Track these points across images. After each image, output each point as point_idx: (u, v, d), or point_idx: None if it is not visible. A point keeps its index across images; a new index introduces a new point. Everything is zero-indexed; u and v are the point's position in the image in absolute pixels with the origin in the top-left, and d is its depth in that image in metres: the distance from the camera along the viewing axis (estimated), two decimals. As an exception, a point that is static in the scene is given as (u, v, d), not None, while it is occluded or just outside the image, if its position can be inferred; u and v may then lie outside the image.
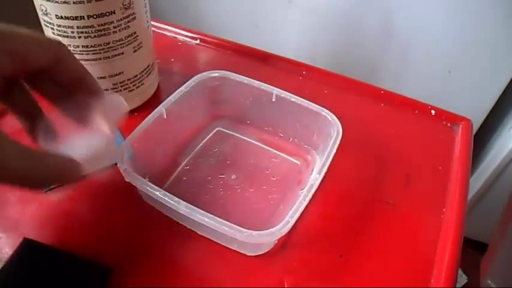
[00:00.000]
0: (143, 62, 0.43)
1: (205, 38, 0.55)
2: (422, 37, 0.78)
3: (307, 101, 0.38)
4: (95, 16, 0.35)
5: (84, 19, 0.35)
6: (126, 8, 0.37)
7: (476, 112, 0.82)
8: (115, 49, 0.39)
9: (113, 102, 0.34)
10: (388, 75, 0.88)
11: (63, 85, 0.30)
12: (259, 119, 0.42)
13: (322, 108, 0.37)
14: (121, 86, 0.42)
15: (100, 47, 0.38)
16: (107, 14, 0.36)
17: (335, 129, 0.35)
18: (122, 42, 0.39)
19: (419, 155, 0.42)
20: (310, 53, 0.93)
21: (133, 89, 0.43)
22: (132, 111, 0.44)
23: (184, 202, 0.29)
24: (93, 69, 0.39)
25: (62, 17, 0.35)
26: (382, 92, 0.49)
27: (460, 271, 0.94)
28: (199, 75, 0.40)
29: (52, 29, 0.37)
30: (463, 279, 0.92)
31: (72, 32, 0.36)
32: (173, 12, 1.01)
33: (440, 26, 0.75)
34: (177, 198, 0.30)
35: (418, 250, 0.34)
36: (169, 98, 0.37)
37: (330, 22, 0.85)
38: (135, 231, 0.34)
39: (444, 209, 0.37)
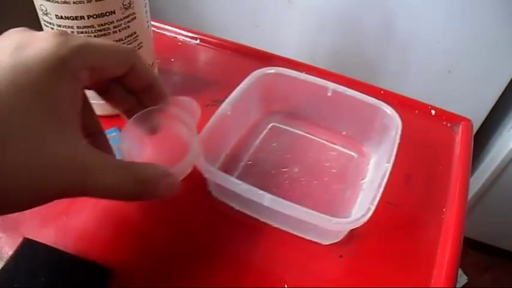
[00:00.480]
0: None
1: (205, 38, 0.55)
2: (422, 37, 0.78)
3: (364, 95, 0.39)
4: (95, 16, 0.35)
5: (84, 19, 0.35)
6: (126, 8, 0.37)
7: (476, 112, 0.82)
8: (115, 49, 0.39)
9: (186, 105, 0.34)
10: (388, 75, 0.88)
11: (132, 92, 0.30)
12: (312, 113, 0.43)
13: (380, 102, 0.38)
14: (121, 86, 0.42)
15: (100, 47, 0.38)
16: (107, 14, 0.36)
17: (394, 121, 0.37)
18: (122, 42, 0.39)
19: (419, 155, 0.42)
20: (310, 53, 0.93)
21: (134, 89, 0.43)
22: (132, 111, 0.44)
23: (268, 194, 0.30)
24: (93, 69, 0.39)
25: (62, 17, 0.35)
26: (382, 92, 0.49)
27: (460, 271, 0.94)
28: (256, 71, 0.41)
29: (52, 28, 0.37)
30: (463, 279, 0.92)
31: (72, 32, 0.36)
32: (173, 12, 1.01)
33: (440, 26, 0.75)
34: (261, 191, 0.30)
35: (418, 250, 0.34)
36: (231, 94, 0.38)
37: (330, 22, 0.85)
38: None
39: (444, 209, 0.37)
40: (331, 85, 0.40)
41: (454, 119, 0.46)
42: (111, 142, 0.35)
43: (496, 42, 0.73)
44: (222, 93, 0.47)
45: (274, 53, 0.53)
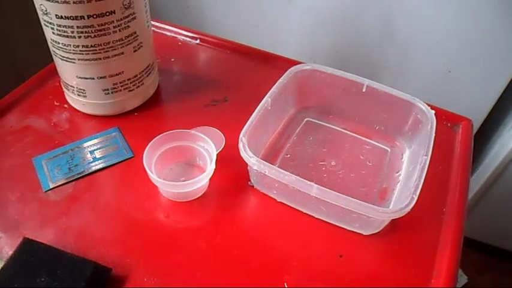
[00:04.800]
0: (143, 62, 0.43)
1: (205, 38, 0.55)
2: (422, 37, 0.78)
3: (398, 91, 0.40)
4: (95, 16, 0.35)
5: (84, 19, 0.35)
6: (126, 8, 0.37)
7: (476, 112, 0.82)
8: (115, 49, 0.39)
9: (212, 134, 0.39)
10: (388, 75, 0.87)
11: None
12: (346, 108, 0.44)
13: (414, 98, 0.39)
14: (121, 86, 0.42)
15: (100, 47, 0.38)
16: (107, 13, 0.36)
17: (428, 116, 0.38)
18: (122, 42, 0.39)
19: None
20: (310, 52, 0.93)
21: (134, 89, 0.43)
22: (132, 111, 0.44)
23: (316, 185, 0.31)
24: (93, 69, 0.39)
25: (62, 17, 0.35)
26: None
27: (460, 271, 0.94)
28: (293, 67, 0.42)
29: (52, 28, 0.37)
30: (463, 279, 0.92)
31: (72, 32, 0.36)
32: (173, 12, 1.01)
33: (440, 26, 0.75)
34: (309, 182, 0.32)
35: (418, 250, 0.34)
36: (272, 89, 0.39)
37: (330, 22, 0.85)
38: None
39: (444, 209, 0.37)
40: (367, 81, 0.41)
41: (454, 118, 0.46)
42: (111, 142, 0.35)
43: (496, 42, 0.72)
44: (222, 93, 0.48)
45: (274, 53, 0.53)
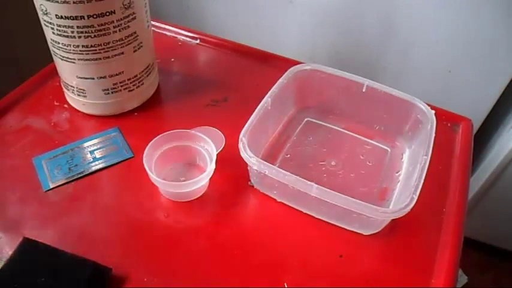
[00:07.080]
0: (143, 62, 0.43)
1: (205, 38, 0.55)
2: (422, 37, 0.78)
3: (398, 91, 0.40)
4: (95, 16, 0.35)
5: (84, 19, 0.35)
6: (126, 8, 0.37)
7: (476, 112, 0.82)
8: (115, 49, 0.39)
9: (212, 134, 0.39)
10: (388, 75, 0.87)
11: None
12: (346, 108, 0.44)
13: (414, 98, 0.39)
14: (121, 86, 0.42)
15: (100, 47, 0.38)
16: (107, 13, 0.36)
17: (428, 116, 0.38)
18: (122, 42, 0.39)
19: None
20: (310, 53, 0.93)
21: (134, 89, 0.43)
22: (132, 111, 0.44)
23: (316, 185, 0.31)
24: (93, 69, 0.39)
25: (62, 17, 0.35)
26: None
27: (460, 271, 0.94)
28: (293, 67, 0.42)
29: (52, 28, 0.37)
30: (463, 279, 0.92)
31: (72, 32, 0.36)
32: (173, 12, 1.01)
33: (440, 26, 0.75)
34: (309, 182, 0.32)
35: (418, 250, 0.34)
36: (272, 89, 0.39)
37: (330, 22, 0.85)
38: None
39: (444, 209, 0.37)
40: (367, 81, 0.41)
41: (454, 118, 0.46)
42: (111, 142, 0.35)
43: (496, 42, 0.72)
44: (222, 93, 0.48)
45: (274, 52, 0.53)
